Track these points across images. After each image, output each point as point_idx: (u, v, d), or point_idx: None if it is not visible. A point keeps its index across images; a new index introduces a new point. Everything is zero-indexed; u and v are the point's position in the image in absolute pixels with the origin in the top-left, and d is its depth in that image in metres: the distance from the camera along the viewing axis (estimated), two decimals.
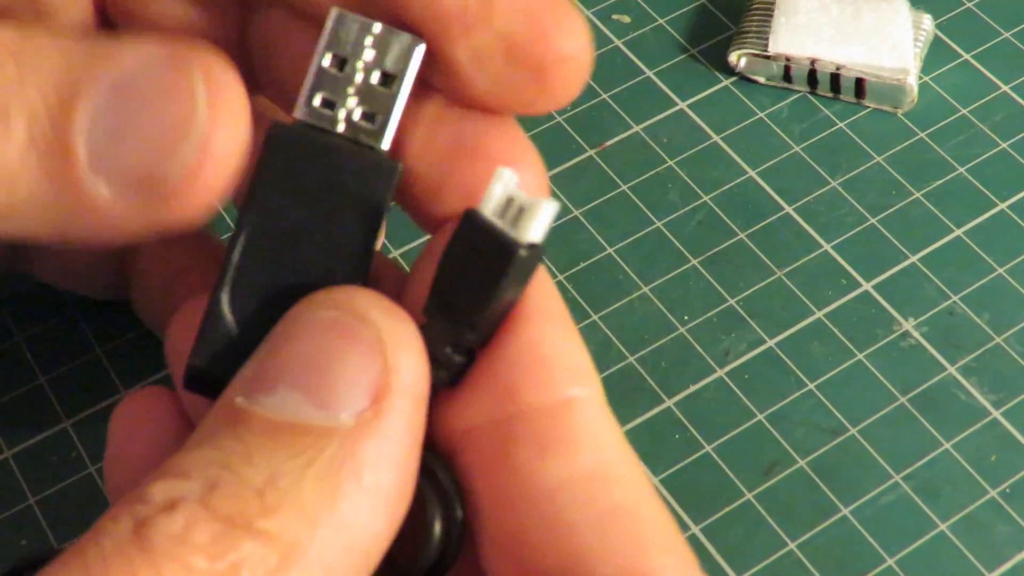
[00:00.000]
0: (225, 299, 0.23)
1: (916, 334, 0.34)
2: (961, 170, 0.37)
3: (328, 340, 0.21)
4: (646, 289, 0.35)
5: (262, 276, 0.23)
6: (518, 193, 0.21)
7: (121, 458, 0.25)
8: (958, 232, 0.36)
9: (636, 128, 0.38)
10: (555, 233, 0.36)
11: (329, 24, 0.23)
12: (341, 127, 0.23)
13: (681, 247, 0.36)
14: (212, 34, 0.27)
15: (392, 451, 0.21)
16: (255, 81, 0.26)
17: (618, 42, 0.40)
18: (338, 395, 0.21)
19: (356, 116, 0.23)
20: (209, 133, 0.22)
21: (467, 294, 0.21)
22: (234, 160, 0.22)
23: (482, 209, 0.21)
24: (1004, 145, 0.37)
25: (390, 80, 0.23)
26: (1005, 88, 0.39)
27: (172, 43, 0.23)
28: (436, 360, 0.22)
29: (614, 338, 0.34)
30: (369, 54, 0.23)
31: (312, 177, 0.23)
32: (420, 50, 0.23)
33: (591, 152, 0.38)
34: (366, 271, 0.24)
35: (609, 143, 0.38)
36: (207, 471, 0.20)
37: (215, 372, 0.23)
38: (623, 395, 0.33)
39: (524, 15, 0.23)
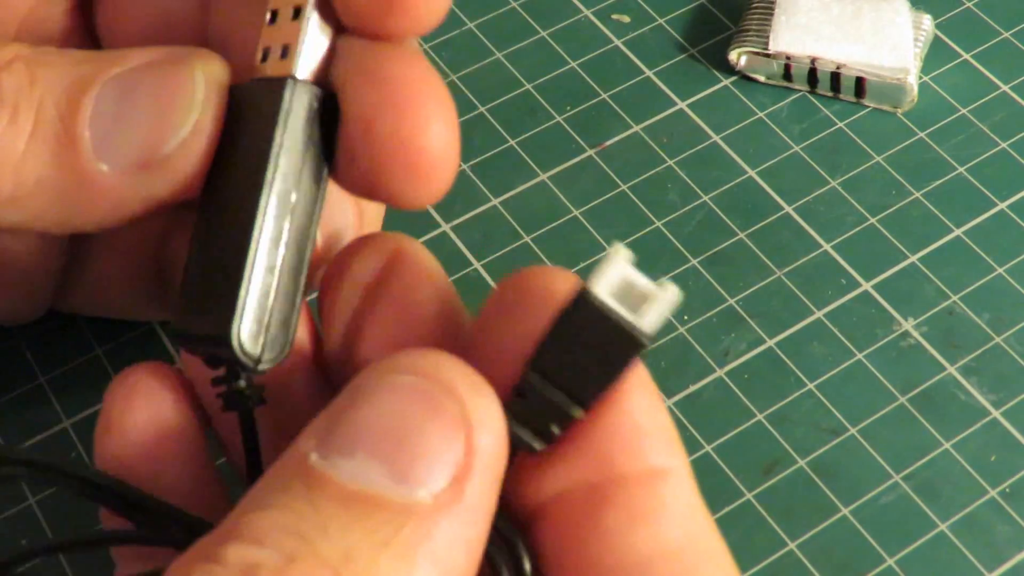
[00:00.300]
0: (195, 256, 0.24)
1: (916, 334, 0.34)
2: (961, 170, 0.37)
3: (411, 408, 0.21)
4: None
5: (208, 227, 0.24)
6: (638, 277, 0.21)
7: (115, 430, 0.25)
8: (958, 232, 0.36)
9: (636, 128, 0.38)
10: (555, 233, 0.36)
11: None
12: (269, 71, 0.24)
13: (681, 247, 0.36)
14: (178, 22, 0.28)
15: (467, 533, 0.21)
16: None
17: (618, 42, 0.40)
18: (418, 471, 0.20)
19: (277, 55, 0.24)
20: (204, 110, 0.24)
21: (581, 374, 0.21)
22: (215, 130, 0.24)
23: (596, 288, 0.21)
24: (1004, 145, 0.37)
25: (297, 14, 0.24)
26: (1005, 88, 0.39)
27: (174, 48, 0.24)
28: (535, 430, 0.22)
29: None
30: None
31: (240, 122, 0.24)
32: None
33: (591, 152, 0.38)
34: (272, 194, 0.23)
35: (609, 143, 0.38)
36: (283, 540, 0.20)
37: (191, 328, 0.24)
38: None
39: None
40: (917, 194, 0.36)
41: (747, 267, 0.35)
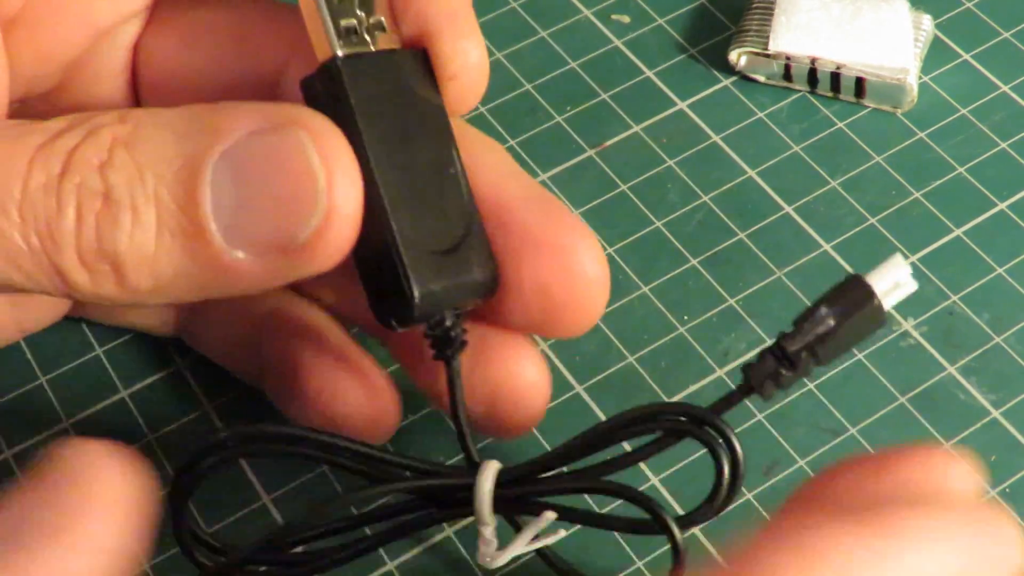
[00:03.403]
0: (402, 227, 0.25)
1: (916, 334, 0.34)
2: (961, 170, 0.37)
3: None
4: (646, 289, 0.35)
5: (410, 194, 0.25)
6: (906, 279, 0.25)
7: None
8: (958, 232, 0.36)
9: (636, 128, 0.38)
10: None
11: None
12: (374, 44, 0.25)
13: (681, 247, 0.36)
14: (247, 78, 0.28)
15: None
16: None
17: (618, 42, 0.40)
18: None
19: (375, 30, 0.25)
20: (331, 197, 0.23)
21: (832, 341, 0.26)
22: (357, 209, 0.24)
23: (872, 280, 0.25)
24: (1004, 145, 0.37)
25: None
26: (1005, 88, 0.39)
27: (271, 110, 0.24)
28: (779, 382, 0.26)
29: (614, 338, 0.34)
30: None
31: (386, 95, 0.25)
32: None
33: (591, 152, 0.38)
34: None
35: (609, 143, 0.38)
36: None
37: (436, 290, 0.25)
38: (623, 395, 0.33)
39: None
40: (917, 194, 0.36)
41: (747, 267, 0.35)
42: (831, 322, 0.25)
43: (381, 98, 0.25)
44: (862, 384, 0.33)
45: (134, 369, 0.33)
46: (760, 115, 0.38)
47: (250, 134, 0.24)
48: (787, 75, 0.39)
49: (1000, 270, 0.35)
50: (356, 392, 0.29)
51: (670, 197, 0.37)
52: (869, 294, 0.25)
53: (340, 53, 0.25)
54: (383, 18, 0.25)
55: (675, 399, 0.33)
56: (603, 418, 0.32)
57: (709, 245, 0.36)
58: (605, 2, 0.41)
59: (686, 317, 0.34)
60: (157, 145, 0.23)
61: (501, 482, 0.27)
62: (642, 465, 0.32)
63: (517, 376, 0.28)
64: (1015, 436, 0.32)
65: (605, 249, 0.35)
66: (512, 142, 0.38)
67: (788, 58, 0.38)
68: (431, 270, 0.25)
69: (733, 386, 0.33)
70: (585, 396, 0.33)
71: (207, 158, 0.23)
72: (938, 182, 0.37)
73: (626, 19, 0.41)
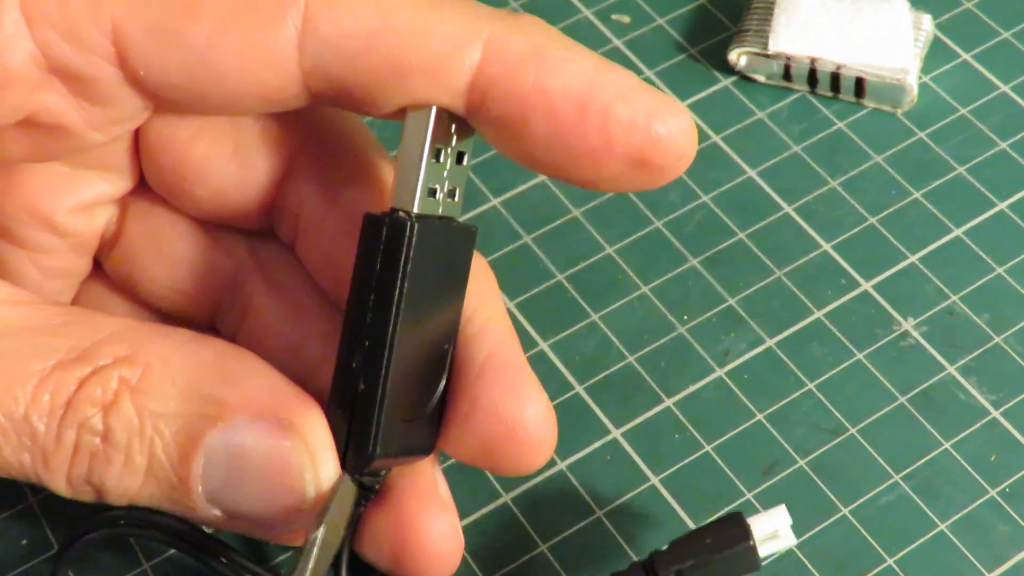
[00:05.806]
0: (391, 398, 0.26)
1: (916, 334, 0.34)
2: (961, 170, 0.37)
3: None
4: (646, 289, 0.35)
5: (408, 366, 0.26)
6: (786, 532, 0.27)
7: None
8: (957, 232, 0.36)
9: None
10: (555, 233, 0.36)
11: (431, 120, 0.25)
12: (440, 209, 0.26)
13: (681, 247, 0.36)
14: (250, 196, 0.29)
15: None
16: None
17: (618, 42, 0.40)
18: None
19: (445, 197, 0.26)
20: (315, 507, 0.25)
21: (702, 570, 0.27)
22: (321, 512, 0.26)
23: (752, 522, 0.27)
24: (1004, 145, 0.37)
25: (461, 158, 0.26)
26: (1005, 88, 0.39)
27: (278, 402, 0.25)
28: None
29: (614, 338, 0.34)
30: (452, 140, 0.26)
31: (431, 262, 0.26)
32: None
33: None
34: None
35: None
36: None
37: (390, 452, 0.26)
38: (623, 395, 0.33)
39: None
40: (917, 194, 0.36)
41: (747, 267, 0.35)
42: (704, 553, 0.27)
43: (427, 265, 0.26)
44: (862, 384, 0.33)
45: None
46: (760, 115, 0.38)
47: (251, 420, 0.25)
48: (787, 75, 0.39)
49: (1000, 270, 0.35)
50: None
51: (670, 197, 0.37)
52: (746, 535, 0.27)
53: (416, 211, 0.26)
54: (458, 188, 0.26)
55: (675, 399, 0.33)
56: (603, 418, 0.32)
57: (709, 245, 0.36)
58: (605, 2, 0.41)
59: (686, 317, 0.34)
60: (160, 399, 0.25)
61: None
62: (641, 465, 0.32)
63: (427, 533, 0.28)
64: (1015, 436, 0.32)
65: (604, 249, 0.36)
66: None
67: (788, 58, 0.38)
68: (395, 435, 0.26)
69: (734, 387, 0.33)
70: (585, 396, 0.33)
71: (206, 431, 0.25)
72: (938, 182, 0.37)
73: (626, 19, 0.41)
